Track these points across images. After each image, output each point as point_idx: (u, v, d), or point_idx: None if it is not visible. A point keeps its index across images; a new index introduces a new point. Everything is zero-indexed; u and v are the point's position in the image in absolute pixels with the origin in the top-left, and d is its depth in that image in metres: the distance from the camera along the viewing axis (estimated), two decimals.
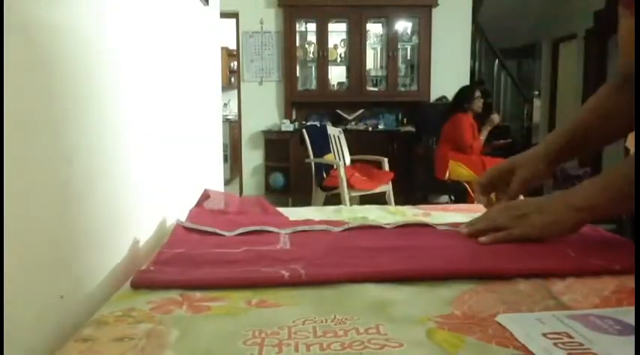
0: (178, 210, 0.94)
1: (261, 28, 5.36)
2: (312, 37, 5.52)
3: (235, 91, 5.72)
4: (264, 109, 5.45)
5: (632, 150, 0.92)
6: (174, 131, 1.05)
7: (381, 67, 5.59)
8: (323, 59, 5.38)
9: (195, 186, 1.14)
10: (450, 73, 5.34)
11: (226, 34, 5.59)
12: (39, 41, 0.49)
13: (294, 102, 5.44)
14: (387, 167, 4.13)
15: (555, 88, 6.43)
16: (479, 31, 5.91)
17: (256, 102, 5.43)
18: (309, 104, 5.54)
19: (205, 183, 1.25)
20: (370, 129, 5.43)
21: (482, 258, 0.64)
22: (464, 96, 3.99)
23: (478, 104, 3.98)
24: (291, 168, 5.19)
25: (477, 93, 3.98)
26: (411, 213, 1.00)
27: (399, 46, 5.52)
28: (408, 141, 5.21)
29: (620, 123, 0.80)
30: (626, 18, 0.81)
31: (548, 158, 0.80)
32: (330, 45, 5.44)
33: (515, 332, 0.42)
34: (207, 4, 1.45)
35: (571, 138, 0.81)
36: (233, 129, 6.51)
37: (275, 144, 5.36)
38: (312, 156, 4.01)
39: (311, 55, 5.54)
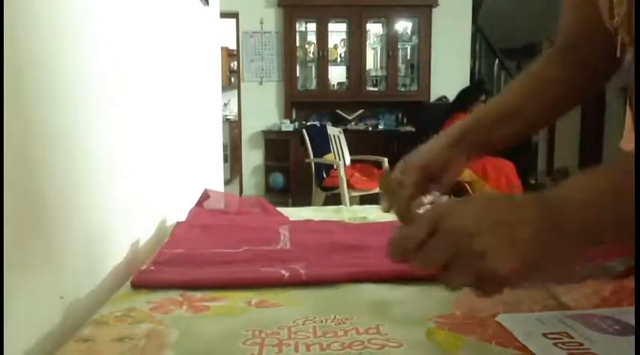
0: (178, 210, 0.94)
1: (261, 28, 5.36)
2: (312, 37, 5.52)
3: (235, 91, 5.72)
4: (264, 109, 5.44)
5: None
6: (174, 131, 1.05)
7: (381, 67, 5.59)
8: (323, 59, 5.38)
9: (195, 186, 1.14)
10: (450, 73, 5.34)
11: (226, 34, 5.58)
12: (41, 41, 0.49)
13: (294, 102, 5.44)
14: (387, 167, 4.12)
15: None
16: (479, 31, 5.91)
17: (256, 102, 5.43)
18: (309, 104, 5.54)
19: (205, 183, 1.25)
20: (370, 129, 5.43)
21: None
22: (468, 97, 3.99)
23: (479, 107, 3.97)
24: (291, 168, 5.19)
25: (482, 98, 3.98)
26: None
27: (399, 46, 5.52)
28: (408, 141, 5.20)
29: (552, 103, 0.63)
30: None
31: (451, 144, 0.62)
32: (330, 45, 5.44)
33: (515, 332, 0.42)
34: (207, 4, 1.45)
35: (482, 120, 0.65)
36: (233, 129, 6.51)
37: (275, 144, 5.36)
38: (312, 156, 4.00)
39: (311, 55, 5.54)
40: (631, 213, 0.38)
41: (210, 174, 1.50)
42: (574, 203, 0.40)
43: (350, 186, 3.64)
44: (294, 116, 5.47)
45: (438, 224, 0.39)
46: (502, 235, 0.39)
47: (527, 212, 0.39)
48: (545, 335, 0.41)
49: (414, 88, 5.52)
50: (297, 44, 5.42)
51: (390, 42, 5.44)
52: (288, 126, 5.28)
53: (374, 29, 5.58)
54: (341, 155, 4.26)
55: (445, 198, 0.64)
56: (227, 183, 5.81)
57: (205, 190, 1.02)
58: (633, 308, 0.47)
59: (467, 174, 3.82)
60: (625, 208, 0.39)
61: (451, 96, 4.41)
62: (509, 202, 0.41)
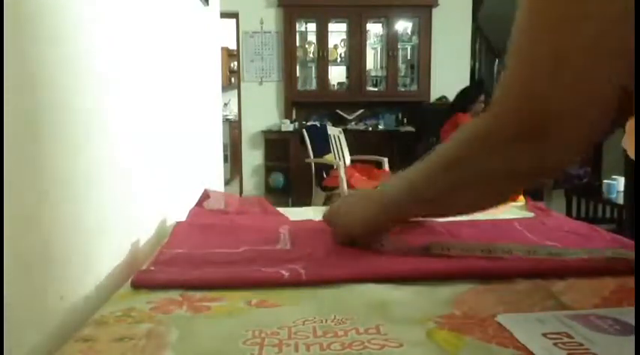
0: (178, 210, 0.94)
1: (261, 28, 5.36)
2: (312, 37, 5.53)
3: (235, 91, 5.72)
4: (264, 109, 5.45)
5: (629, 150, 0.91)
6: (174, 131, 1.05)
7: (381, 67, 5.60)
8: (323, 59, 5.39)
9: (195, 186, 1.14)
10: (450, 73, 5.34)
11: (226, 34, 5.59)
12: (43, 42, 0.49)
13: (294, 102, 5.45)
14: (387, 167, 4.13)
15: None
16: (479, 31, 5.91)
17: (256, 102, 5.43)
18: (309, 104, 5.54)
19: (205, 183, 1.25)
20: (370, 129, 5.44)
21: (481, 258, 0.64)
22: (467, 97, 3.99)
23: (479, 107, 3.98)
24: (291, 168, 5.20)
25: (482, 98, 3.98)
26: None
27: (399, 46, 5.53)
28: (408, 141, 5.21)
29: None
30: None
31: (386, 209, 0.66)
32: (330, 45, 5.45)
33: (515, 332, 0.42)
34: (207, 4, 1.45)
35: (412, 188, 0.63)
36: (233, 129, 6.51)
37: (275, 144, 5.36)
38: (312, 156, 4.01)
39: (311, 55, 5.55)
40: (411, 204, 0.64)
41: (210, 174, 1.50)
42: (390, 195, 0.66)
43: (350, 186, 3.64)
44: (294, 116, 5.47)
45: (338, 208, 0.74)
46: (352, 215, 0.70)
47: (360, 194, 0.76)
48: (545, 335, 0.41)
49: (414, 88, 5.53)
50: (297, 44, 5.42)
51: (390, 42, 5.45)
52: (288, 126, 5.28)
53: (374, 29, 5.59)
54: (341, 155, 4.26)
55: None
56: (227, 183, 5.82)
57: (205, 190, 1.02)
58: (633, 308, 0.47)
59: None
60: (411, 198, 0.63)
61: (451, 96, 4.42)
62: (361, 196, 0.74)
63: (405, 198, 0.64)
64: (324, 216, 0.76)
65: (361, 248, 0.68)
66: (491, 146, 0.52)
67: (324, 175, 3.98)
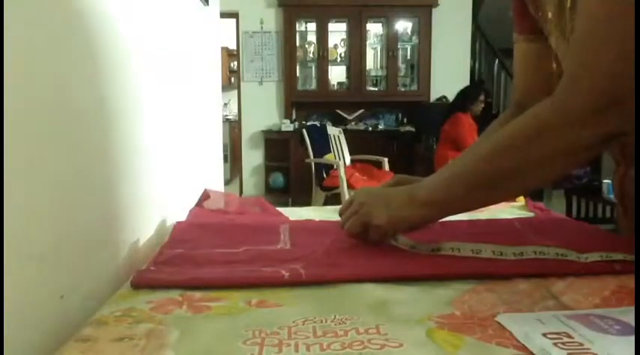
0: (178, 210, 0.94)
1: (261, 28, 5.37)
2: (312, 37, 5.53)
3: (235, 91, 5.73)
4: (264, 109, 5.45)
5: None
6: (174, 131, 1.05)
7: (381, 67, 5.60)
8: (323, 59, 5.39)
9: (195, 186, 1.14)
10: (450, 73, 5.35)
11: (226, 34, 5.59)
12: (46, 42, 0.49)
13: (294, 102, 5.45)
14: (387, 167, 4.13)
15: None
16: (479, 31, 5.91)
17: (256, 102, 5.43)
18: (309, 104, 5.55)
19: (205, 183, 1.25)
20: (370, 129, 5.44)
21: (482, 258, 0.64)
22: (467, 96, 3.99)
23: (479, 107, 3.98)
24: (291, 168, 5.20)
25: (482, 97, 3.98)
26: None
27: (399, 46, 5.53)
28: (408, 141, 5.21)
29: None
30: (520, 43, 0.78)
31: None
32: (330, 45, 5.45)
33: (515, 332, 0.42)
34: (207, 4, 1.45)
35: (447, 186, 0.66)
36: (233, 129, 6.52)
37: (275, 144, 5.37)
38: (312, 156, 4.01)
39: (311, 55, 5.55)
40: (452, 199, 0.65)
41: (210, 174, 1.50)
42: (424, 185, 0.68)
43: (350, 186, 3.64)
44: (294, 116, 5.48)
45: (352, 199, 0.71)
46: (380, 203, 0.68)
47: (396, 191, 0.70)
48: (545, 335, 0.41)
49: (414, 87, 5.53)
50: (297, 44, 5.43)
51: (390, 42, 5.45)
52: (288, 126, 5.29)
53: (374, 29, 5.59)
54: (341, 155, 4.26)
55: None
56: (227, 183, 5.82)
57: (205, 190, 1.02)
58: (633, 308, 0.47)
59: None
60: (451, 193, 0.65)
61: (451, 96, 4.42)
62: (389, 188, 0.73)
63: (452, 193, 0.65)
64: (340, 211, 0.73)
65: (372, 242, 0.68)
66: (569, 120, 0.55)
67: (324, 175, 3.98)
